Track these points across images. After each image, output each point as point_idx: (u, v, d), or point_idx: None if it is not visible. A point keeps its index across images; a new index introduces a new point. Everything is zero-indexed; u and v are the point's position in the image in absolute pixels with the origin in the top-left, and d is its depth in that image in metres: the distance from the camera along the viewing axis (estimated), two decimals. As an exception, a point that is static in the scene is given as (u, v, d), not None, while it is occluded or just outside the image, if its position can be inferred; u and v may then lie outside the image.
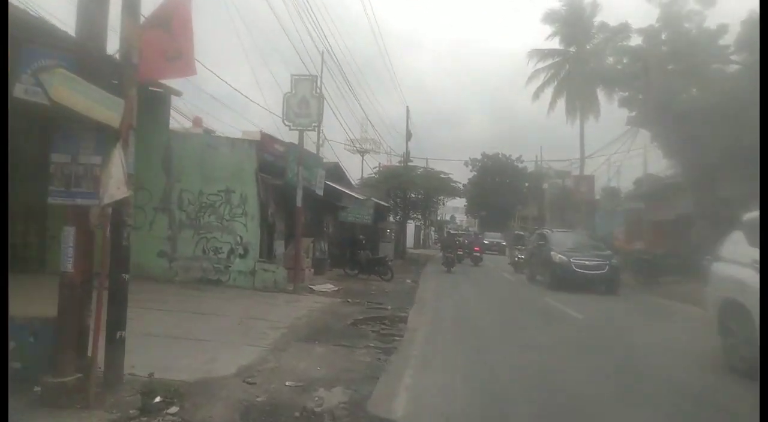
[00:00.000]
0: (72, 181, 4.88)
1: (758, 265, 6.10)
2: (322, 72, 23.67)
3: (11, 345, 4.73)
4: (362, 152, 42.38)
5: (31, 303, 5.50)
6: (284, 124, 13.91)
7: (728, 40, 18.78)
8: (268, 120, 37.80)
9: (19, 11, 7.69)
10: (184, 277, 13.07)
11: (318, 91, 14.50)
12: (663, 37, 20.72)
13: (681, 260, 19.01)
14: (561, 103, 36.69)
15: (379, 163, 41.00)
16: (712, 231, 18.04)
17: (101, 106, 4.86)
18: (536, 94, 37.40)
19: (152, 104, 13.40)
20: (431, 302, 13.84)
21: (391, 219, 36.88)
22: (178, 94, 14.65)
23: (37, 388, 4.61)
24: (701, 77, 19.05)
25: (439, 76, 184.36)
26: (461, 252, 27.94)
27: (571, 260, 17.42)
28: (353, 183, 33.42)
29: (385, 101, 72.88)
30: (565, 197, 37.71)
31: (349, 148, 41.07)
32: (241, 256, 13.30)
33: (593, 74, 26.43)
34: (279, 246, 16.03)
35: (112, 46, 6.03)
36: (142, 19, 5.83)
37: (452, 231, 34.66)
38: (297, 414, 4.78)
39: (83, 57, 4.97)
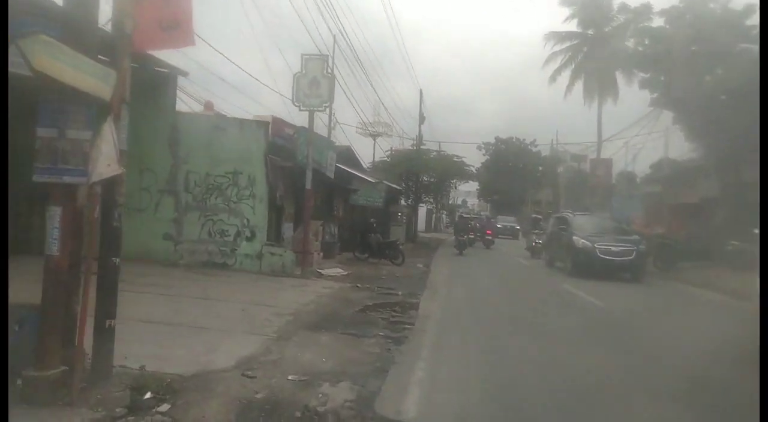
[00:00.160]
0: (59, 158, 4.50)
1: None
2: (334, 52, 23.13)
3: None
4: (374, 135, 41.85)
5: (24, 288, 5.17)
6: (294, 104, 13.50)
7: (755, 20, 18.08)
8: (282, 106, 37.64)
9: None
10: (189, 260, 12.75)
11: (330, 71, 14.03)
12: (687, 17, 20.02)
13: (702, 245, 18.46)
14: (578, 87, 36.06)
15: (391, 147, 40.50)
16: (736, 215, 17.53)
17: (90, 77, 4.47)
18: (553, 78, 36.83)
19: (158, 84, 13.05)
20: (443, 288, 13.42)
21: (403, 202, 36.47)
22: (184, 74, 14.30)
23: (20, 381, 4.27)
24: (727, 59, 18.38)
25: (452, 61, 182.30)
26: (473, 236, 28.19)
27: (596, 245, 16.49)
28: (365, 166, 33.00)
29: (397, 86, 72.15)
30: (581, 181, 37.09)
31: (361, 132, 40.61)
32: (248, 239, 12.95)
33: (613, 56, 25.76)
34: (287, 229, 15.68)
35: (104, 16, 5.64)
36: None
37: (465, 216, 34.42)
38: (298, 414, 4.38)
39: (71, 27, 4.58)
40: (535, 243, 24.61)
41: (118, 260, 4.95)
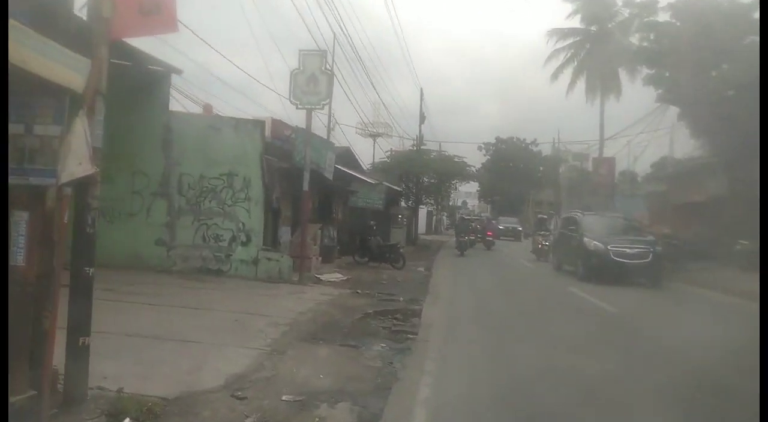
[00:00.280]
0: (25, 156, 4.06)
1: None
2: (334, 50, 22.65)
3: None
4: (374, 136, 41.38)
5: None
6: (291, 102, 13.03)
7: (763, 13, 17.65)
8: (281, 110, 37.30)
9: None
10: (182, 267, 12.27)
11: (329, 68, 13.57)
12: (693, 11, 19.59)
13: (710, 245, 17.96)
14: (580, 84, 35.63)
15: (391, 148, 40.04)
16: (745, 214, 17.04)
17: (60, 66, 4.01)
18: (554, 75, 36.39)
19: (150, 83, 12.58)
20: (446, 293, 12.93)
21: (403, 204, 36.02)
22: (178, 72, 13.78)
23: (-17, 409, 3.80)
24: (734, 53, 17.94)
25: (452, 61, 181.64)
26: (474, 237, 28.35)
27: (609, 247, 15.31)
28: (365, 168, 32.53)
29: (398, 86, 71.71)
30: (583, 180, 36.63)
31: (360, 132, 40.15)
32: (244, 244, 12.45)
33: (617, 52, 25.38)
34: (284, 233, 15.19)
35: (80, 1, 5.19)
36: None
37: (465, 217, 34.14)
38: (292, 442, 3.92)
39: (42, 11, 4.13)
40: (542, 245, 23.88)
41: (92, 270, 4.49)
